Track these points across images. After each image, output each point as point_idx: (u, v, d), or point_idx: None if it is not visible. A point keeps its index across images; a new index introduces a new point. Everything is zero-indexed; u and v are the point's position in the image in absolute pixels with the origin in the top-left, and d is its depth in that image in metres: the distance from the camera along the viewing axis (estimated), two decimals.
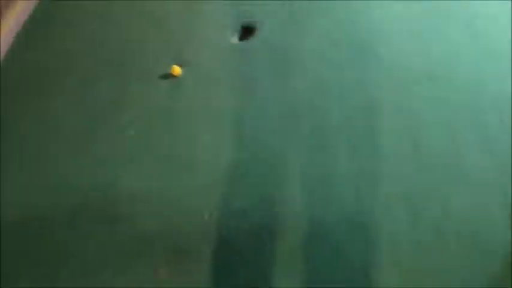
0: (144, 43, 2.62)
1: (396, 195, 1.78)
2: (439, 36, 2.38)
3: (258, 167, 1.94)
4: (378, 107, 2.07)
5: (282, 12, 2.68)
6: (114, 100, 2.31)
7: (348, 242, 1.67)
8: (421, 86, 2.14)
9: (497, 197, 1.75)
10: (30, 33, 2.86)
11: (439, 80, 2.16)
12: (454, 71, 2.19)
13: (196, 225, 1.78)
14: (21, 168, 2.08)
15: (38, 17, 2.97)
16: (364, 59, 2.30)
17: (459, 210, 1.72)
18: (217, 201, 1.85)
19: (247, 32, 2.62)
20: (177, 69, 2.37)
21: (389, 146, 1.94)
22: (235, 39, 2.59)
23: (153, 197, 1.91)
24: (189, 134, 2.11)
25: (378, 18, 2.52)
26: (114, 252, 1.74)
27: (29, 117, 2.31)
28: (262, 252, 1.67)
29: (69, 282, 1.66)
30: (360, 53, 2.34)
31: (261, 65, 2.39)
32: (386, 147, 1.94)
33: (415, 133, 1.97)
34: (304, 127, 2.05)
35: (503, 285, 1.53)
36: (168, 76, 2.38)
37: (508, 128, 1.94)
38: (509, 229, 1.63)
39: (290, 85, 2.25)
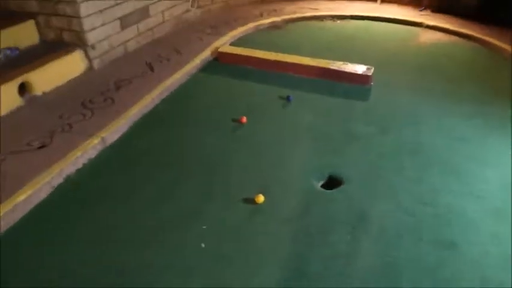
0: (237, 166, 2.86)
1: None
2: None
3: None
4: None
5: (370, 173, 2.81)
6: (195, 209, 2.48)
7: None
8: None
9: None
10: (144, 124, 3.30)
11: None
12: None
13: None
14: (85, 251, 2.23)
15: (155, 114, 3.44)
16: (443, 252, 2.25)
17: None
18: None
19: (332, 183, 2.75)
20: (260, 198, 2.52)
21: None
22: (318, 186, 2.73)
23: None
24: (250, 265, 2.15)
25: (467, 210, 2.53)
26: None
27: (114, 203, 2.53)
28: None
29: None
30: (439, 243, 2.29)
31: (335, 218, 2.46)
32: None
33: None
34: None
35: None
36: (251, 201, 2.52)
37: None
38: None
39: (359, 250, 2.24)
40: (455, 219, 2.46)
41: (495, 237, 2.33)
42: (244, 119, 3.32)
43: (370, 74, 3.93)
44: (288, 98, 3.67)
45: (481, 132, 3.26)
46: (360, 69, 4.00)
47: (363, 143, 3.14)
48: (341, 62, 4.11)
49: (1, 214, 2.27)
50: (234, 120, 3.33)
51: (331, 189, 2.70)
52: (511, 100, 3.65)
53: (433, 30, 5.35)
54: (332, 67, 4.05)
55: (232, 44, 4.73)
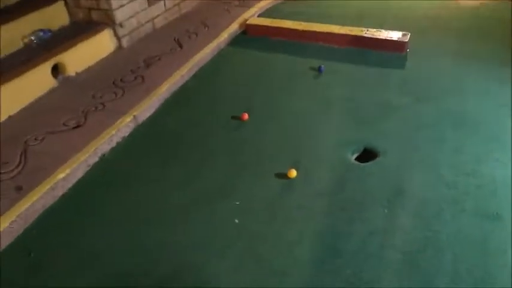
0: (268, 141, 2.82)
1: None
2: None
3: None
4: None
5: (408, 144, 2.70)
6: (226, 186, 2.47)
7: None
8: None
9: None
10: (174, 101, 3.29)
11: None
12: None
13: None
14: (122, 228, 2.26)
15: (186, 90, 3.42)
16: (488, 224, 2.14)
17: None
18: None
19: (367, 155, 2.67)
20: (293, 172, 2.47)
21: None
22: (353, 159, 2.65)
23: None
24: (286, 241, 2.13)
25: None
26: None
27: (148, 181, 2.54)
28: None
29: None
30: (484, 216, 2.18)
31: (370, 191, 2.38)
32: None
33: None
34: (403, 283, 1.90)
35: None
36: (283, 176, 2.48)
37: None
38: None
39: (397, 225, 2.17)
40: (500, 190, 2.33)
41: None
42: (246, 116, 3.00)
43: (406, 40, 3.73)
44: (319, 69, 3.56)
45: None
46: (395, 35, 3.80)
47: (399, 113, 3.01)
48: (374, 29, 3.92)
49: (42, 192, 2.35)
50: (234, 117, 3.03)
51: (367, 162, 2.62)
52: None
53: None
54: (365, 34, 3.87)
55: (260, 16, 4.60)
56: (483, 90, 3.19)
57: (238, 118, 3.00)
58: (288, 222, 2.22)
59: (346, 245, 2.08)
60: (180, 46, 3.93)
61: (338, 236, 2.13)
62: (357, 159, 2.67)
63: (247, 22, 4.30)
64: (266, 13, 4.70)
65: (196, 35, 4.15)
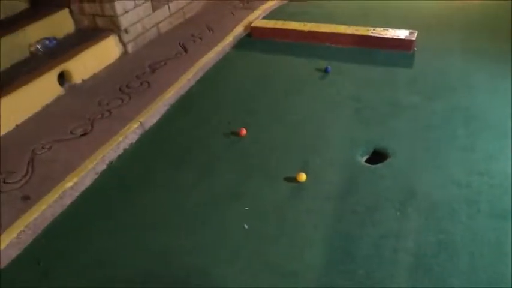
0: (276, 144, 2.78)
1: None
2: None
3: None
4: None
5: (418, 145, 2.65)
6: (235, 190, 2.44)
7: None
8: None
9: None
10: (180, 106, 3.28)
11: None
12: None
13: None
14: (132, 235, 2.24)
15: (192, 95, 3.41)
16: (503, 223, 2.09)
17: None
18: None
19: (377, 156, 2.62)
20: (302, 176, 2.44)
21: None
22: (363, 160, 2.61)
23: None
24: (296, 244, 2.09)
25: None
26: None
27: (156, 187, 2.53)
28: None
29: None
30: (498, 215, 2.14)
31: (382, 193, 2.34)
32: None
33: None
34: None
35: None
36: (292, 180, 2.45)
37: None
38: None
39: (409, 228, 2.12)
40: None
41: None
42: (244, 131, 2.87)
43: (413, 38, 3.68)
44: (326, 70, 3.52)
45: None
46: (402, 33, 3.75)
47: (409, 113, 2.96)
48: (381, 28, 3.88)
49: (51, 201, 2.34)
50: (233, 133, 2.89)
51: (376, 163, 2.57)
52: None
53: None
54: (372, 34, 3.82)
55: (265, 18, 4.58)
56: (492, 88, 3.13)
57: (236, 134, 2.89)
58: (298, 226, 2.19)
59: (358, 248, 2.04)
60: (185, 50, 3.92)
61: (349, 240, 2.09)
62: (367, 161, 2.63)
63: (252, 25, 4.28)
64: (270, 15, 4.67)
65: (201, 38, 4.13)
